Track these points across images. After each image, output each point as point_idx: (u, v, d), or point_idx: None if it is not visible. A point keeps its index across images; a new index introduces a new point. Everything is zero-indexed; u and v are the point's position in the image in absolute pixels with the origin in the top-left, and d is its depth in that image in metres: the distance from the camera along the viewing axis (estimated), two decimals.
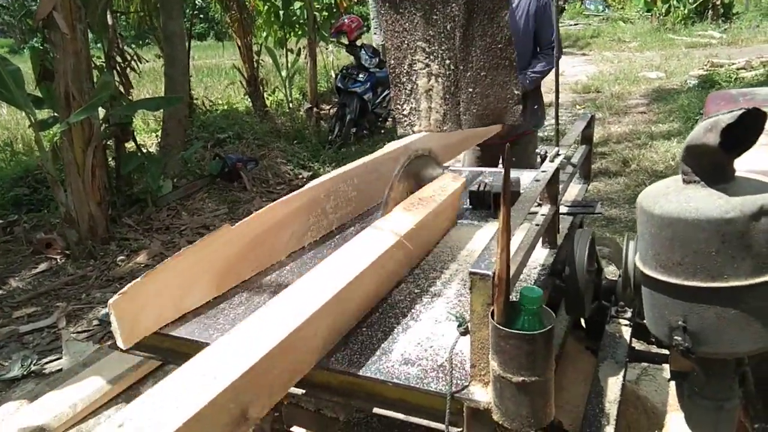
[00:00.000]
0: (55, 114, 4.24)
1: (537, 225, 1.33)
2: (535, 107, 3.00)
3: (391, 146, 1.97)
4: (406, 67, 1.60)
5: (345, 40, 7.41)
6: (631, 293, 1.39)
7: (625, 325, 1.78)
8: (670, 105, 7.63)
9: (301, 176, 6.05)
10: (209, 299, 1.36)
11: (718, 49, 11.86)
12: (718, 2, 15.58)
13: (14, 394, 2.50)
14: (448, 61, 1.54)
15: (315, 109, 8.14)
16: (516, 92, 1.51)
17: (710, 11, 15.66)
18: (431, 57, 1.56)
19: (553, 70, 2.68)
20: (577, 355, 1.79)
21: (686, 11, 15.84)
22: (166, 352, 1.31)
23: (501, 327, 0.89)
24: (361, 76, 7.20)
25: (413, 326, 1.21)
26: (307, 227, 1.62)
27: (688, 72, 9.24)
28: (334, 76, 8.96)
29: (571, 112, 7.78)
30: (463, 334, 1.07)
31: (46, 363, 2.81)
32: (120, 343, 1.21)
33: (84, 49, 4.17)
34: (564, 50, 10.01)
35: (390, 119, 7.44)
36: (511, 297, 0.95)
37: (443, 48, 1.54)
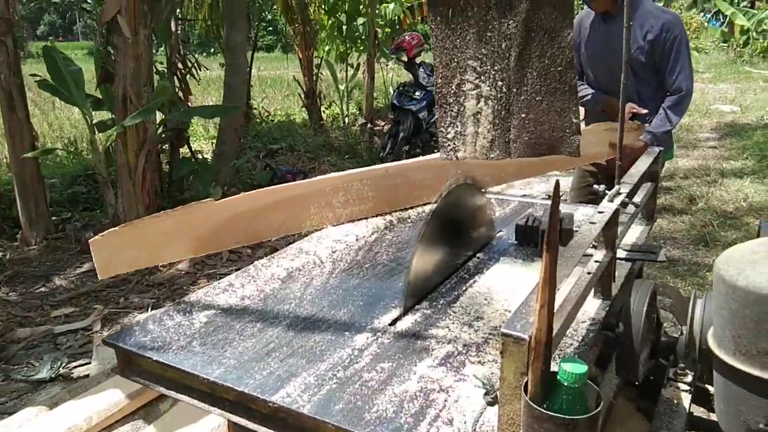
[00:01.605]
0: (113, 116, 4.32)
1: (590, 273, 1.16)
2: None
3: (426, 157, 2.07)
4: (453, 88, 1.46)
5: (404, 57, 7.35)
6: (695, 357, 1.21)
7: (685, 390, 1.57)
8: (744, 141, 7.17)
9: None
10: (186, 257, 1.62)
11: None
12: None
13: (39, 397, 2.47)
14: (500, 83, 1.40)
15: (369, 125, 8.09)
16: (575, 121, 1.35)
17: None
18: (482, 77, 1.42)
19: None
20: (627, 417, 1.59)
21: (766, 44, 15.05)
22: (168, 382, 1.21)
23: (535, 406, 0.73)
24: (417, 93, 7.10)
25: (434, 380, 1.06)
26: (307, 215, 1.74)
27: (765, 108, 8.69)
28: (391, 92, 8.91)
29: None
30: (491, 403, 0.91)
31: (75, 367, 2.79)
32: (98, 274, 1.45)
33: (145, 54, 4.24)
34: None
35: None
36: (552, 365, 0.79)
37: (496, 68, 1.40)
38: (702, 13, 18.79)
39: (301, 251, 1.72)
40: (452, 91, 1.48)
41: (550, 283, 0.73)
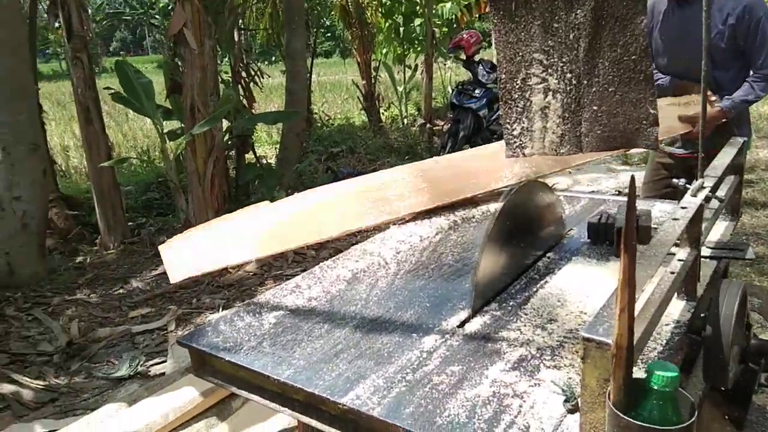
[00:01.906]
0: (182, 125, 4.48)
1: (673, 273, 1.09)
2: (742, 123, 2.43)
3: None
4: (519, 82, 1.42)
5: (462, 56, 7.26)
6: None
7: None
8: None
9: None
10: (251, 258, 1.70)
11: None
12: None
13: (118, 394, 2.59)
14: (569, 75, 1.34)
15: (428, 125, 8.05)
16: (652, 111, 1.28)
17: None
18: (549, 70, 1.37)
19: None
20: (713, 424, 1.50)
21: None
22: (240, 381, 1.23)
23: (621, 415, 0.69)
24: (477, 91, 7.00)
25: (507, 384, 1.02)
26: (363, 210, 1.77)
27: None
28: (450, 92, 8.83)
29: None
30: (571, 411, 0.86)
31: (152, 365, 2.90)
32: (170, 279, 1.58)
33: (211, 64, 4.38)
34: None
35: None
36: (634, 370, 0.74)
37: (564, 60, 1.34)
38: None
39: (365, 252, 1.71)
40: (517, 86, 1.43)
41: (629, 284, 0.69)
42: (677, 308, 1.24)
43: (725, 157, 1.53)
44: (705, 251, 1.42)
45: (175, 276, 1.58)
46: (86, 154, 4.84)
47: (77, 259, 4.51)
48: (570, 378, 1.00)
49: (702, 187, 1.28)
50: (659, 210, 1.79)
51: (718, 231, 1.61)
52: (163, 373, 2.76)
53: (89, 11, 5.70)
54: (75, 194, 5.60)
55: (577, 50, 1.32)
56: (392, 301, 1.39)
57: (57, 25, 4.62)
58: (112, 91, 4.48)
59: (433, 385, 1.04)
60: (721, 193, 1.50)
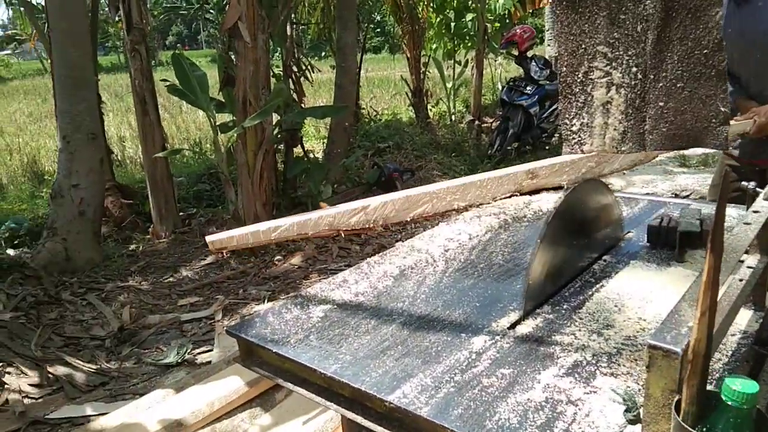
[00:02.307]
0: (234, 118, 4.55)
1: (742, 280, 1.03)
2: None
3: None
4: (580, 76, 1.36)
5: (515, 51, 7.13)
6: None
7: None
8: None
9: None
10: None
11: None
12: None
13: (166, 381, 2.65)
14: (635, 69, 1.28)
15: (477, 122, 7.95)
16: (723, 109, 1.20)
17: None
18: (613, 64, 1.31)
19: None
20: None
21: None
22: (286, 374, 1.22)
23: (690, 429, 0.64)
24: (528, 88, 6.87)
25: (561, 390, 0.98)
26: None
27: None
28: (500, 88, 8.69)
29: None
30: (632, 422, 0.82)
31: (199, 353, 2.96)
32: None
33: (264, 58, 4.42)
34: None
35: (557, 135, 7.00)
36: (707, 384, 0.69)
37: (630, 53, 1.28)
38: None
39: (413, 249, 1.69)
40: (579, 80, 1.38)
41: (713, 288, 0.64)
42: (744, 318, 1.16)
43: None
44: None
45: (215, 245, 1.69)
46: (141, 145, 4.98)
47: (130, 247, 4.65)
48: (629, 386, 0.95)
49: None
50: (726, 214, 1.70)
51: None
52: (210, 362, 2.81)
53: (147, 4, 5.86)
54: (130, 183, 5.78)
55: (644, 43, 1.26)
56: (440, 300, 1.36)
57: (117, 18, 4.77)
58: (168, 83, 4.59)
59: (482, 387, 1.01)
60: None
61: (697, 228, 1.45)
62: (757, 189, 1.28)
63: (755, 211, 1.10)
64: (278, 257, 4.32)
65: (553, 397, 0.97)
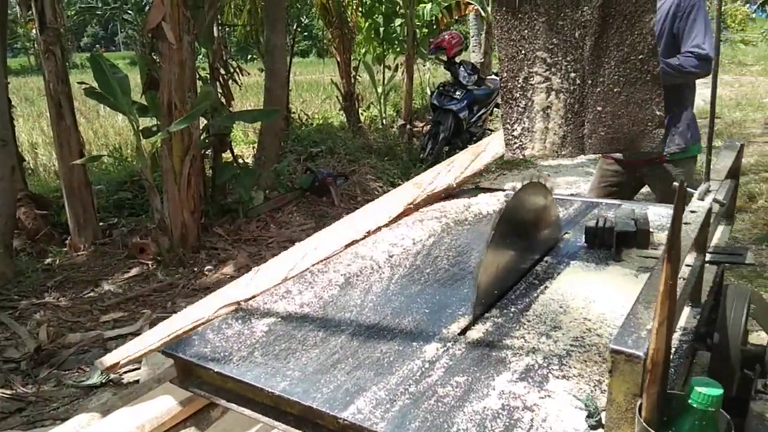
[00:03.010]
0: (158, 122, 4.35)
1: (683, 279, 1.06)
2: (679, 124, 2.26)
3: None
4: (520, 81, 1.37)
5: (443, 57, 7.25)
6: None
7: None
8: None
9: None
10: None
11: None
12: None
13: (90, 403, 2.48)
14: (573, 75, 1.30)
15: (408, 126, 8.02)
16: (658, 113, 1.24)
17: None
18: (553, 69, 1.33)
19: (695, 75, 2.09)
20: None
21: None
22: (229, 393, 1.16)
23: None
24: (457, 93, 6.99)
25: (516, 396, 0.97)
26: None
27: None
28: (429, 93, 8.81)
29: None
30: (594, 427, 0.82)
31: (125, 372, 2.78)
32: None
33: (189, 60, 4.25)
34: None
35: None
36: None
37: (568, 59, 1.30)
38: (748, 4, 18.10)
39: (357, 256, 1.65)
40: (519, 85, 1.39)
41: (670, 297, 0.64)
42: (683, 315, 1.21)
43: (724, 160, 1.51)
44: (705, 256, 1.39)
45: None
46: (57, 152, 4.66)
47: (46, 261, 4.33)
48: (583, 391, 0.95)
49: (708, 191, 1.25)
50: (654, 214, 1.77)
51: (716, 236, 1.59)
52: (138, 381, 2.65)
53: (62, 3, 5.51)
54: (44, 193, 5.39)
55: (582, 49, 1.28)
56: (389, 308, 1.33)
57: (28, 17, 4.45)
58: (86, 86, 4.32)
59: (438, 398, 0.99)
60: (720, 196, 1.48)
61: (633, 228, 1.50)
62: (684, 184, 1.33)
63: (692, 211, 1.14)
64: (209, 267, 4.16)
65: (509, 403, 0.96)
